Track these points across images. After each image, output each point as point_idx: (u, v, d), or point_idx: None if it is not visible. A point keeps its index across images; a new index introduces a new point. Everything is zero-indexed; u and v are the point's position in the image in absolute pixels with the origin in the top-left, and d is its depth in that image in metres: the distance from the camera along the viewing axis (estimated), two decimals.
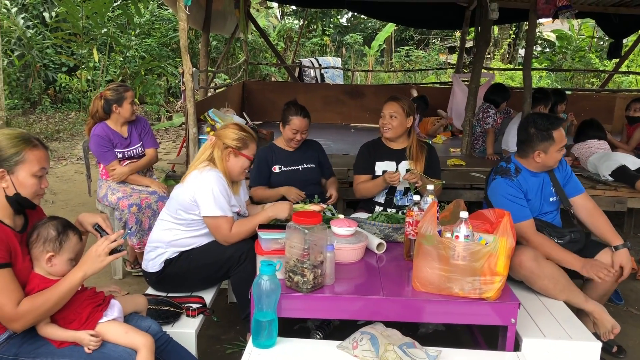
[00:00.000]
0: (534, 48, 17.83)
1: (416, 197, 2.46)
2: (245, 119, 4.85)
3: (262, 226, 2.36)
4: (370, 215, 2.88)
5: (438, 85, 10.52)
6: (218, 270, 2.49)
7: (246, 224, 2.50)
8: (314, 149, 3.43)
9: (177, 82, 10.55)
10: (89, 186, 4.08)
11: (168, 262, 2.50)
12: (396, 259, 2.51)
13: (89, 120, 3.67)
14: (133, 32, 10.78)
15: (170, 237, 2.51)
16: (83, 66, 10.14)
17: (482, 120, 5.28)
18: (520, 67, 15.41)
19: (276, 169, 3.30)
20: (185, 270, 2.49)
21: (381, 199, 3.24)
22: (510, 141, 4.92)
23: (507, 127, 5.09)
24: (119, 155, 3.62)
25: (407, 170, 3.10)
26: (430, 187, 2.55)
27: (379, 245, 2.54)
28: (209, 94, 5.97)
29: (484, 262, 2.08)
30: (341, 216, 2.54)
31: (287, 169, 3.31)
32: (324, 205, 2.73)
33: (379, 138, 3.34)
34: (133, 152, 3.69)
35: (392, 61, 17.57)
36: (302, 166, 3.35)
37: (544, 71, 14.40)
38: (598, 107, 7.15)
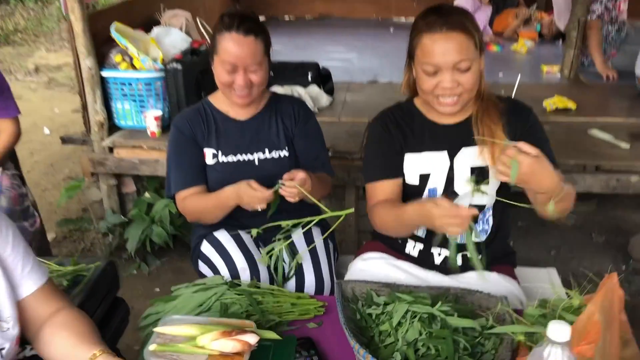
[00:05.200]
0: None
1: None
2: (201, 27, 2.92)
3: None
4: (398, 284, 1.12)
5: None
6: None
7: None
8: (290, 117, 1.67)
9: None
10: None
11: None
12: None
13: None
14: None
15: None
16: None
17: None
18: None
19: (209, 155, 1.61)
20: None
21: (420, 232, 1.49)
22: None
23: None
24: None
25: (476, 182, 1.31)
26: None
27: None
28: None
29: None
30: None
31: (229, 159, 1.62)
32: (254, 342, 0.98)
33: (410, 100, 1.50)
34: None
35: None
36: (261, 155, 1.63)
37: None
38: None
